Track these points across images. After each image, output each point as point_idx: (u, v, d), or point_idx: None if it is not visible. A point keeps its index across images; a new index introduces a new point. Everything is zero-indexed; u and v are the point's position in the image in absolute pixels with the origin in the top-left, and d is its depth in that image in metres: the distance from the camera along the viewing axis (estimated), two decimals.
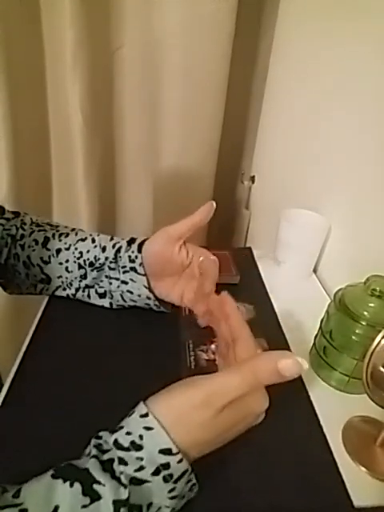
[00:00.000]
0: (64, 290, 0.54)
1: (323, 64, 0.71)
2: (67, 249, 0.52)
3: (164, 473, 0.28)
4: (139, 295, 0.51)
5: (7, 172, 0.84)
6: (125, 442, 0.28)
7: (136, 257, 0.49)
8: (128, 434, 0.29)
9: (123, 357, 0.50)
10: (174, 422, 0.29)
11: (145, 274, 0.49)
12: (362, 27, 0.59)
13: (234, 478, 0.36)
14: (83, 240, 0.53)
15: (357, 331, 0.43)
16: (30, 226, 0.54)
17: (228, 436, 0.32)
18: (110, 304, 0.54)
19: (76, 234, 0.54)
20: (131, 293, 0.51)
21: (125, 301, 0.53)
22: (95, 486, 0.26)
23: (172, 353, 0.50)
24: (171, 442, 0.28)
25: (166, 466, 0.28)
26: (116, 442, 0.29)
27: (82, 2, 0.76)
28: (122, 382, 0.46)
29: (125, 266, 0.50)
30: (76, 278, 0.52)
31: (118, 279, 0.51)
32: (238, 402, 0.29)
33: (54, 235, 0.53)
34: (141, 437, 0.28)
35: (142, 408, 0.30)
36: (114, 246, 0.51)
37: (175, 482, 0.28)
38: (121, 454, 0.28)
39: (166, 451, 0.28)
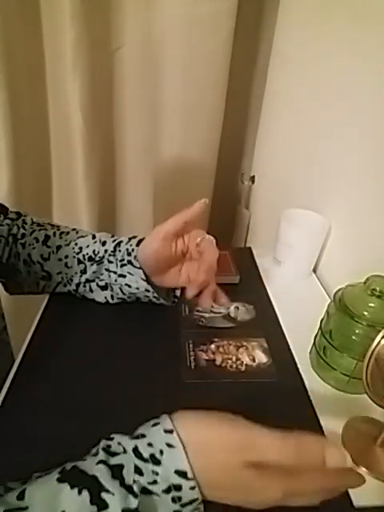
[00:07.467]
0: (65, 285, 0.55)
1: (323, 64, 0.71)
2: (67, 245, 0.53)
3: (174, 493, 0.27)
4: (137, 288, 0.51)
5: (7, 172, 0.84)
6: (145, 452, 0.28)
7: (133, 250, 0.50)
8: (150, 445, 0.28)
9: (123, 357, 0.50)
10: (197, 450, 0.28)
11: (141, 267, 0.49)
12: (362, 27, 0.59)
13: None
14: (83, 237, 0.54)
15: (357, 331, 0.43)
16: (31, 226, 0.55)
17: (241, 498, 0.29)
18: (112, 297, 0.54)
19: (77, 233, 0.56)
20: (129, 286, 0.51)
21: (124, 294, 0.53)
22: (103, 495, 0.26)
23: (172, 353, 0.50)
24: (189, 466, 0.27)
25: (178, 487, 0.27)
26: (136, 449, 0.28)
27: (82, 2, 0.76)
28: (122, 381, 0.46)
29: (123, 259, 0.50)
30: (76, 273, 0.53)
31: (115, 273, 0.51)
32: (266, 469, 0.28)
33: (54, 233, 0.54)
34: (161, 452, 0.28)
35: (167, 423, 0.29)
36: (114, 241, 0.53)
37: (182, 505, 0.27)
38: (138, 462, 0.28)
39: (182, 473, 0.27)
